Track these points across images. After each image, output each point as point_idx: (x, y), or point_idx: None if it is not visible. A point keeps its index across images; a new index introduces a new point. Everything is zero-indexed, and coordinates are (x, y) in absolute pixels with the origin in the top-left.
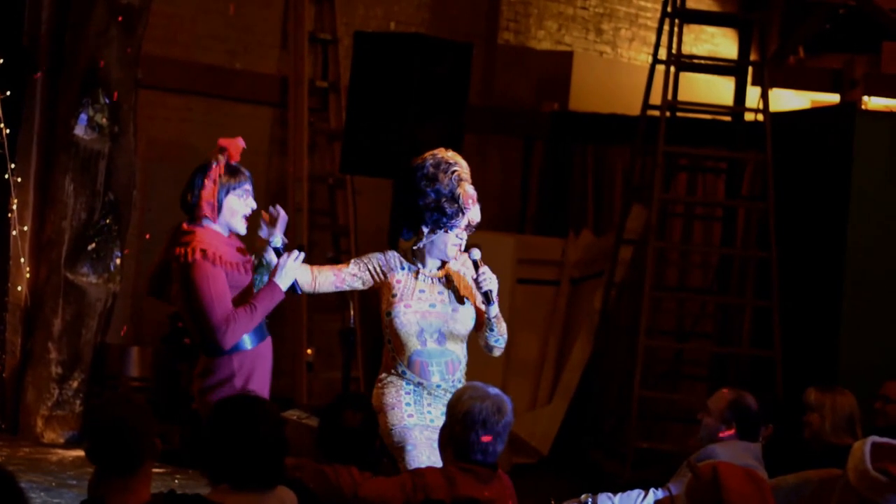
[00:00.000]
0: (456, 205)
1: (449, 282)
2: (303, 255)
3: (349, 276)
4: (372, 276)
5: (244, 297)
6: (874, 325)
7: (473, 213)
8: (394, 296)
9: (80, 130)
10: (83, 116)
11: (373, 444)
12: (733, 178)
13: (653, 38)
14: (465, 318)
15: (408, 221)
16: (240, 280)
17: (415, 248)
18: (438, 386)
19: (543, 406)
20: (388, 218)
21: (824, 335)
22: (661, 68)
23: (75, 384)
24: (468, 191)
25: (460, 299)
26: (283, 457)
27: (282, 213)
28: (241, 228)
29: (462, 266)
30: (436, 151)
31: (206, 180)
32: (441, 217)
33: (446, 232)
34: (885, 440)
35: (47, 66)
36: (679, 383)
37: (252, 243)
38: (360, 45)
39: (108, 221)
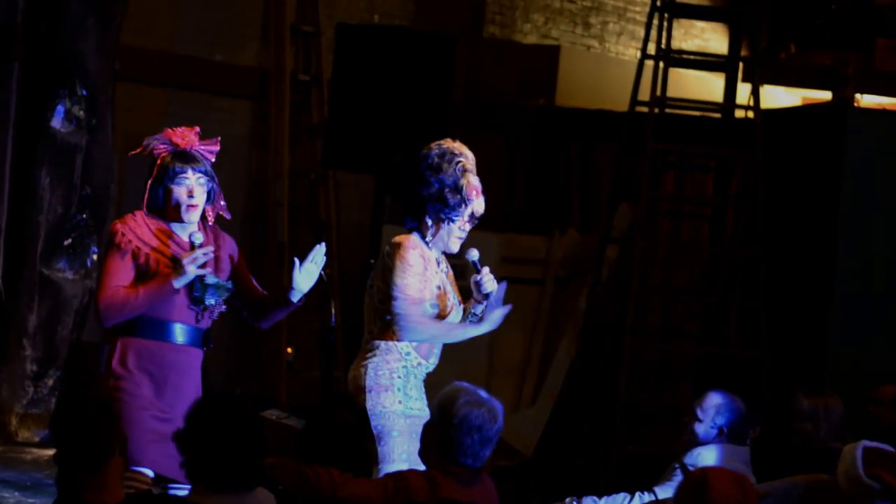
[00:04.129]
0: (459, 196)
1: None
2: (209, 257)
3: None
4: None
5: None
6: (863, 326)
7: (477, 205)
8: (438, 287)
9: (56, 123)
10: (60, 108)
11: (360, 445)
12: (722, 177)
13: (641, 32)
14: (461, 312)
15: (411, 211)
16: (150, 272)
17: (426, 235)
18: (427, 368)
19: (527, 407)
20: (369, 214)
21: (813, 336)
22: (649, 64)
23: (50, 382)
24: (472, 182)
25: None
26: (261, 457)
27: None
28: (186, 216)
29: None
30: (441, 141)
31: (150, 170)
32: (443, 207)
33: (449, 223)
34: (875, 445)
35: (23, 56)
36: (666, 384)
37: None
38: (343, 38)
39: (84, 216)
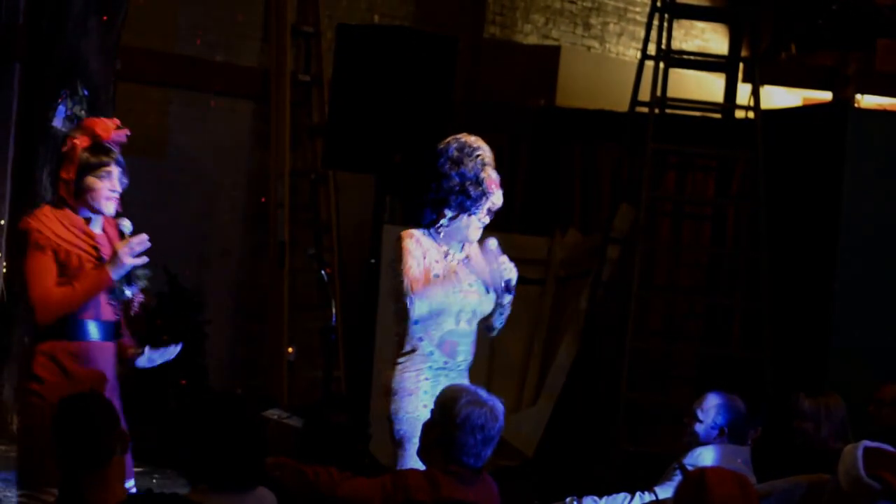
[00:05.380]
0: (480, 188)
1: (470, 265)
2: (146, 246)
3: (422, 273)
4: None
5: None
6: (865, 326)
7: (496, 198)
8: (436, 275)
9: (58, 122)
10: (61, 108)
11: (358, 444)
12: (723, 177)
13: (642, 33)
14: (491, 301)
15: (430, 204)
16: (72, 269)
17: (438, 230)
18: (458, 366)
19: (528, 407)
20: (370, 213)
21: (814, 337)
22: (650, 64)
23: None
24: (492, 175)
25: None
26: (262, 457)
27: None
28: (105, 208)
29: (475, 254)
30: (459, 136)
31: (64, 160)
32: (465, 200)
33: (469, 216)
34: (876, 445)
35: (25, 56)
36: (667, 385)
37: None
38: (344, 38)
39: None
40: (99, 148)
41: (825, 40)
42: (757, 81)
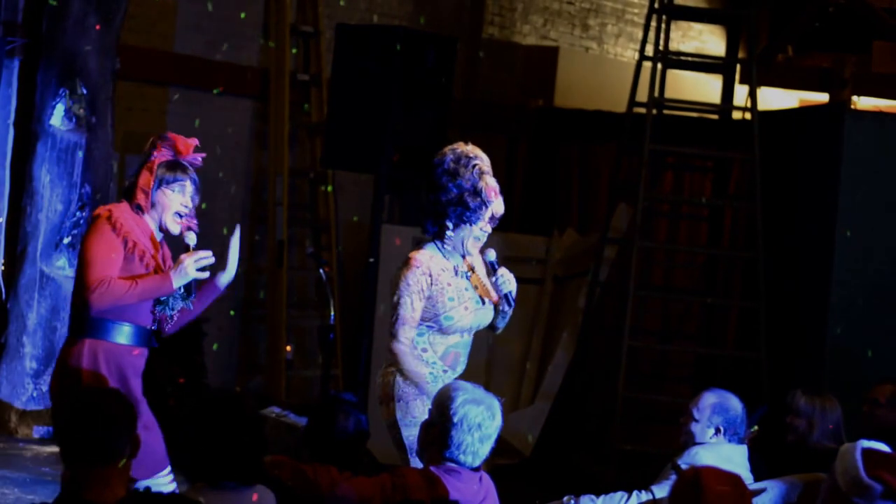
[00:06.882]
0: (479, 198)
1: (472, 277)
2: (211, 261)
3: (419, 312)
4: (423, 295)
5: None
6: (861, 327)
7: (497, 206)
8: (451, 299)
9: (57, 121)
10: (60, 107)
11: (362, 445)
12: (720, 178)
13: (639, 34)
14: (492, 311)
15: (431, 217)
16: (134, 266)
17: (444, 243)
18: (456, 374)
19: (526, 406)
20: (369, 213)
21: (811, 337)
22: (647, 65)
23: (50, 379)
24: (490, 183)
25: (482, 298)
26: (260, 455)
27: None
28: (173, 226)
29: (474, 262)
30: (455, 146)
31: (143, 168)
32: (464, 211)
33: (470, 226)
34: (873, 445)
35: (24, 54)
36: (664, 384)
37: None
38: (343, 38)
39: (84, 214)
40: (176, 164)
41: (822, 42)
42: (754, 83)
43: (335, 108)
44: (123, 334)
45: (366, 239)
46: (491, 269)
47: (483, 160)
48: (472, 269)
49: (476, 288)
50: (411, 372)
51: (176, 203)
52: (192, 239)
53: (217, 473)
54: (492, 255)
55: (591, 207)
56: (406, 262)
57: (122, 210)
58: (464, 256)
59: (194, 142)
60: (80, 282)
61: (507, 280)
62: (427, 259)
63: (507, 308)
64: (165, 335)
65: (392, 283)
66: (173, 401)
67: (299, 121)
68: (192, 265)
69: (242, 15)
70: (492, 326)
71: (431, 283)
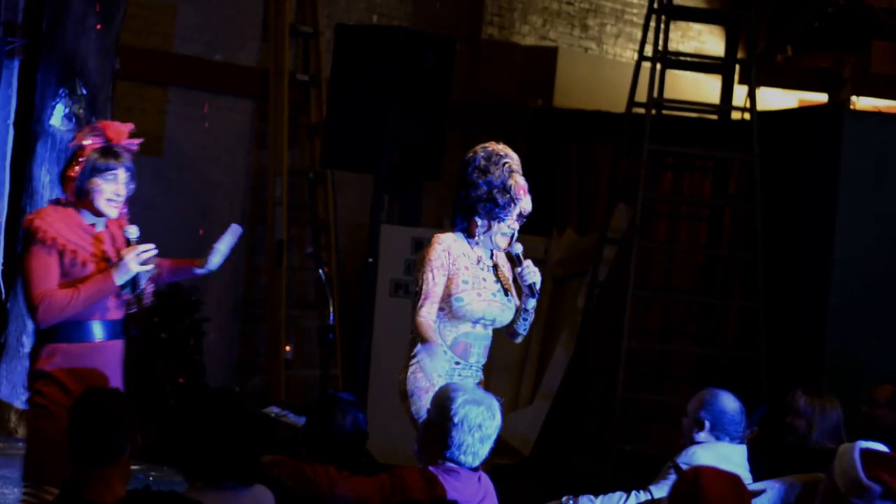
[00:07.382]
0: (508, 195)
1: (497, 272)
2: (152, 253)
3: (442, 287)
4: (444, 271)
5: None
6: (860, 327)
7: (525, 203)
8: (465, 282)
9: (57, 121)
10: (60, 107)
11: (360, 444)
12: (720, 178)
13: (639, 34)
14: (512, 310)
15: (461, 213)
16: (76, 269)
17: (475, 237)
18: (470, 366)
19: (525, 406)
20: (368, 213)
21: (810, 338)
22: (646, 65)
23: None
24: (519, 181)
25: (506, 291)
26: (259, 454)
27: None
28: (109, 210)
29: (500, 260)
30: (486, 144)
31: (72, 159)
32: (494, 208)
33: (498, 222)
34: (872, 446)
35: (24, 54)
36: (663, 384)
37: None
38: (342, 38)
39: None
40: (108, 151)
41: (821, 42)
42: (753, 83)
43: (334, 108)
44: (88, 332)
45: (365, 239)
46: (517, 261)
47: (513, 159)
48: (496, 266)
49: (499, 281)
50: (429, 343)
51: (108, 191)
52: (132, 233)
53: (216, 473)
54: (518, 247)
55: (590, 207)
56: (430, 242)
57: (44, 215)
58: (492, 253)
59: (128, 127)
60: (25, 301)
61: (532, 271)
62: (450, 240)
63: (529, 304)
64: (148, 305)
65: (416, 264)
66: (173, 401)
67: (299, 121)
68: (134, 260)
69: (240, 17)
70: (512, 332)
71: (450, 262)
